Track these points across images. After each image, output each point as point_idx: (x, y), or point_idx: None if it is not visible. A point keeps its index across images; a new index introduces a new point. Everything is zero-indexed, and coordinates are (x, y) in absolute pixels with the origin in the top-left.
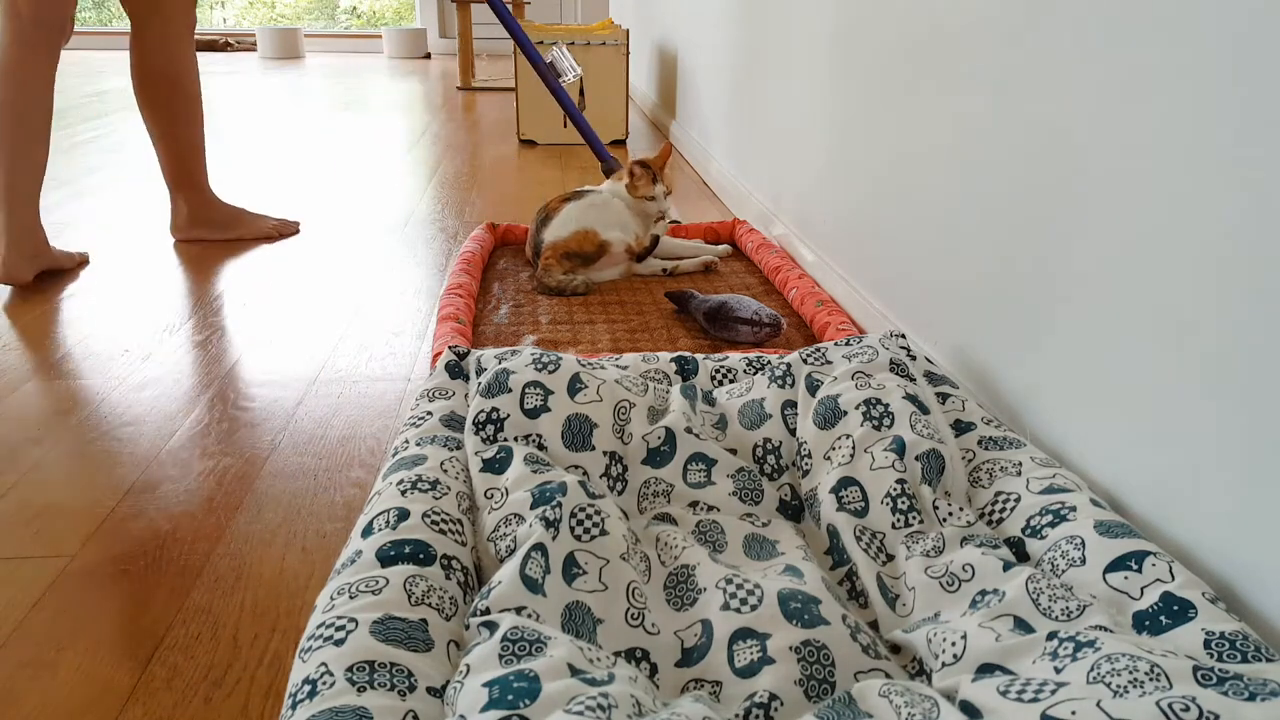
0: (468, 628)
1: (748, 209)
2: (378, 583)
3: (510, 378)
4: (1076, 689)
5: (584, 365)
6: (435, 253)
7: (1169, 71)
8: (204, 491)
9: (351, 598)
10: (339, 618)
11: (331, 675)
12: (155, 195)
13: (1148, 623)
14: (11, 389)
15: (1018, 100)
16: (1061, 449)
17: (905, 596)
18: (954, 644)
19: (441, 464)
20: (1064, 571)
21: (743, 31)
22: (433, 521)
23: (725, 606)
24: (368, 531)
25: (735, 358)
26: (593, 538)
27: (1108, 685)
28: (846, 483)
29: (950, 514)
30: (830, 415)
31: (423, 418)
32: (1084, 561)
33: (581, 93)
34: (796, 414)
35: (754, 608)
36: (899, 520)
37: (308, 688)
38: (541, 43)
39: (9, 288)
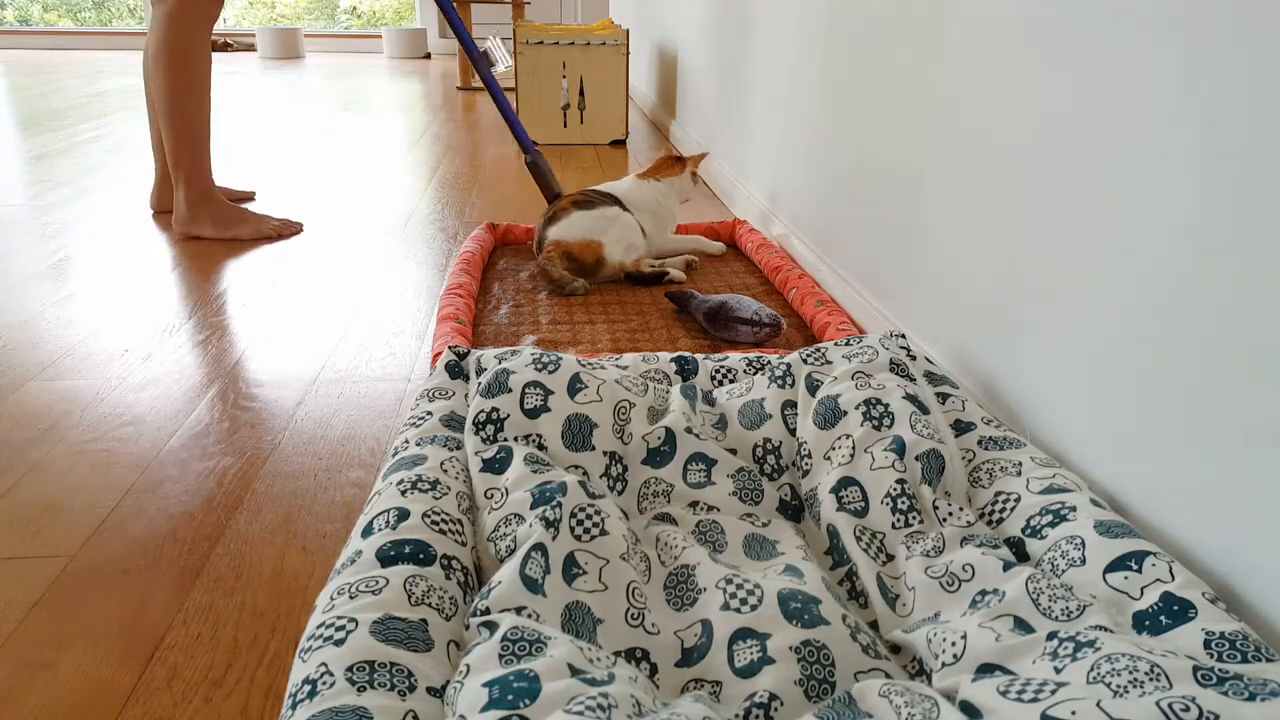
0: (468, 628)
1: (748, 209)
2: (378, 583)
3: (510, 378)
4: (1076, 689)
5: (584, 365)
6: (435, 253)
7: (1170, 70)
8: (204, 491)
9: (351, 598)
10: (339, 618)
11: (331, 675)
12: None
13: (1148, 623)
14: (11, 389)
15: (1018, 100)
16: (1061, 449)
17: (905, 596)
18: (954, 644)
19: (441, 464)
20: (1064, 571)
21: (741, 31)
22: (433, 521)
23: (725, 606)
24: (368, 531)
25: (735, 358)
26: (593, 538)
27: (1108, 685)
28: (846, 483)
29: (950, 514)
30: (830, 415)
31: (423, 418)
32: (1084, 561)
33: (581, 93)
34: (796, 414)
35: (754, 608)
36: (899, 520)
37: (308, 688)
38: (482, 38)
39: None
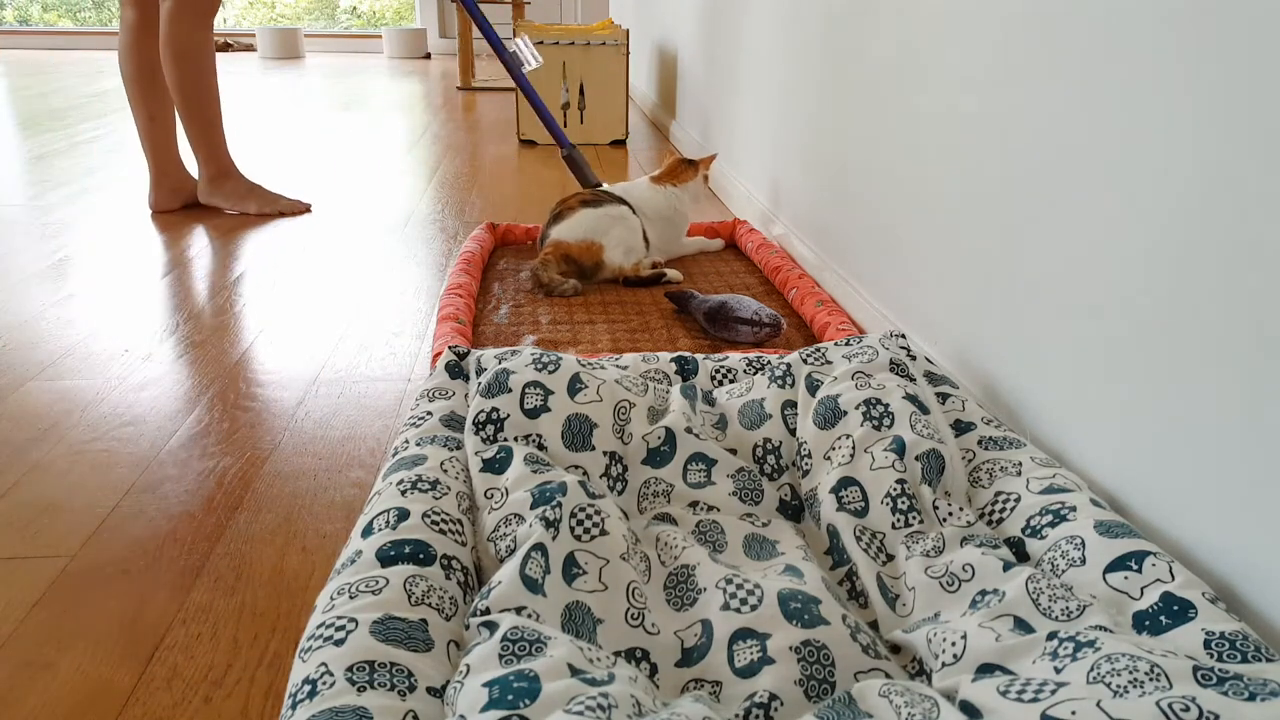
0: (468, 628)
1: (748, 209)
2: (378, 583)
3: (510, 378)
4: (1076, 689)
5: (584, 365)
6: (435, 253)
7: (1170, 70)
8: (204, 491)
9: (351, 598)
10: (339, 618)
11: (331, 675)
12: None
13: (1148, 623)
14: (11, 389)
15: (1019, 100)
16: (1061, 449)
17: (905, 596)
18: (954, 644)
19: (441, 464)
20: (1064, 571)
21: (741, 32)
22: (433, 521)
23: (725, 606)
24: (368, 531)
25: (735, 358)
26: (593, 538)
27: (1108, 685)
28: (846, 483)
29: (950, 514)
30: (830, 415)
31: (423, 418)
32: (1084, 561)
33: (581, 92)
34: (796, 414)
35: (754, 608)
36: (899, 520)
37: (308, 688)
38: (508, 38)
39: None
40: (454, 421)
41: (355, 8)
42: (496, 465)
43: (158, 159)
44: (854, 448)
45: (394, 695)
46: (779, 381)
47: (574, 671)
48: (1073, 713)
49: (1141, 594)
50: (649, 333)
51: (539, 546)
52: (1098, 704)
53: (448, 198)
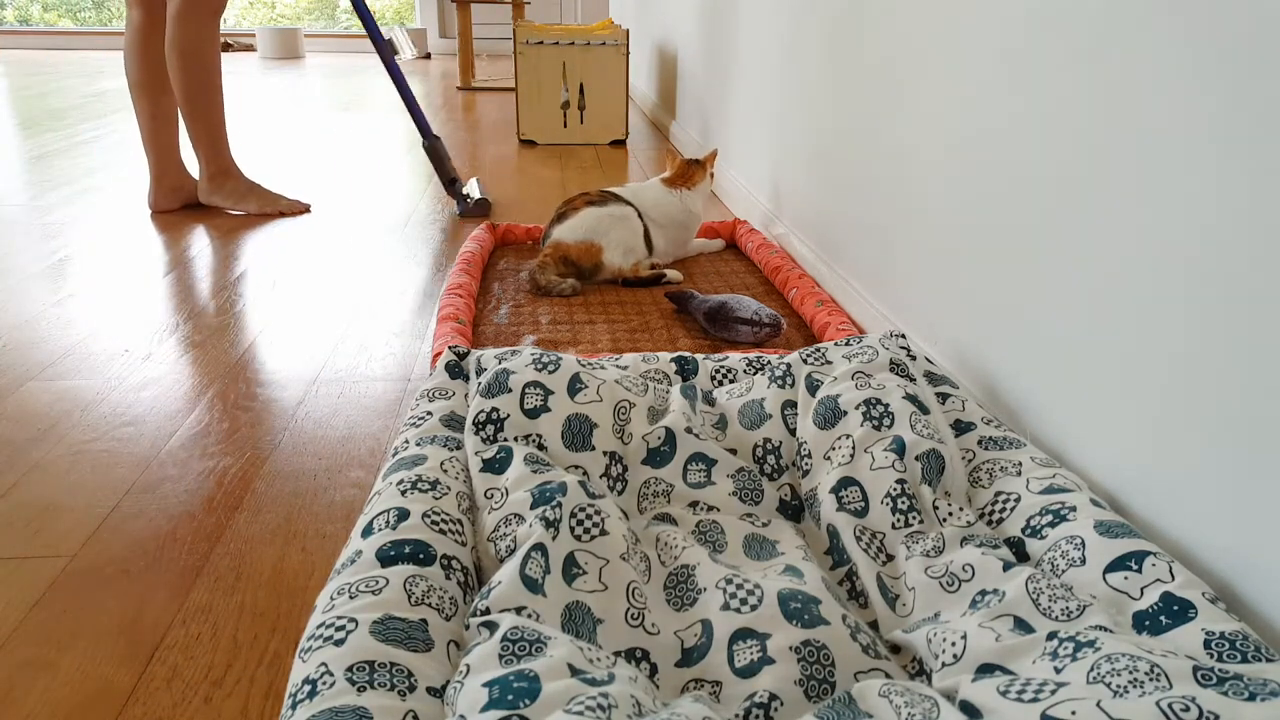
0: (468, 628)
1: (748, 209)
2: (378, 583)
3: (510, 378)
4: (1076, 689)
5: (584, 365)
6: (435, 253)
7: (1171, 71)
8: (204, 491)
9: (351, 598)
10: (339, 618)
11: (331, 675)
12: None
13: (1148, 623)
14: (11, 389)
15: (1018, 99)
16: (1061, 449)
17: (905, 596)
18: (954, 644)
19: (441, 464)
20: (1064, 571)
21: (741, 32)
22: (433, 521)
23: (725, 606)
24: (368, 531)
25: (735, 358)
26: (593, 538)
27: (1108, 685)
28: (846, 483)
29: (950, 514)
30: (830, 415)
31: (423, 418)
32: (1084, 561)
33: (581, 92)
34: (796, 414)
35: (754, 608)
36: (899, 520)
37: (308, 688)
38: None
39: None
40: (454, 421)
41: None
42: (496, 465)
43: (159, 159)
44: (854, 448)
45: (394, 695)
46: (779, 381)
47: (574, 671)
48: (1073, 713)
49: (1141, 594)
50: (649, 333)
51: (539, 546)
52: (1098, 704)
53: (448, 198)
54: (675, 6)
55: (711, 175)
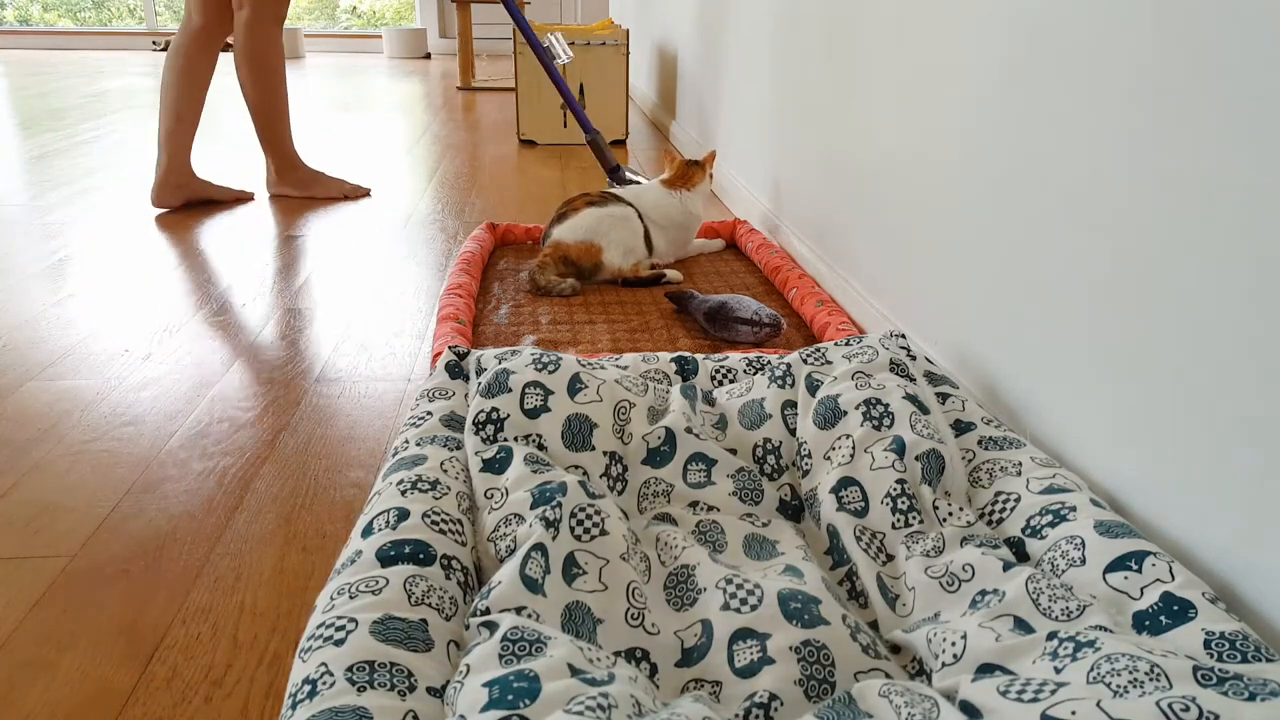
0: (468, 628)
1: (748, 209)
2: (378, 583)
3: (510, 378)
4: (1076, 689)
5: (584, 365)
6: (435, 253)
7: (1170, 72)
8: (204, 491)
9: (351, 598)
10: (339, 618)
11: (331, 675)
12: None
13: (1148, 623)
14: (11, 389)
15: (1018, 99)
16: (1061, 449)
17: (905, 596)
18: (954, 644)
19: (441, 464)
20: (1064, 571)
21: (741, 32)
22: (433, 521)
23: (725, 606)
24: (368, 531)
25: (735, 358)
26: (593, 538)
27: (1108, 685)
28: (846, 483)
29: (950, 514)
30: (830, 415)
31: (423, 418)
32: (1084, 561)
33: (581, 92)
34: (796, 414)
35: (754, 608)
36: (899, 520)
37: (308, 688)
38: (543, 34)
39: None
40: (454, 421)
41: (355, 8)
42: (496, 465)
43: (173, 157)
44: (854, 448)
45: (394, 695)
46: (779, 381)
47: (574, 671)
48: (1073, 713)
49: (1141, 594)
50: (649, 333)
51: (539, 546)
52: (1098, 704)
53: (448, 198)
54: (675, 7)
55: (710, 176)
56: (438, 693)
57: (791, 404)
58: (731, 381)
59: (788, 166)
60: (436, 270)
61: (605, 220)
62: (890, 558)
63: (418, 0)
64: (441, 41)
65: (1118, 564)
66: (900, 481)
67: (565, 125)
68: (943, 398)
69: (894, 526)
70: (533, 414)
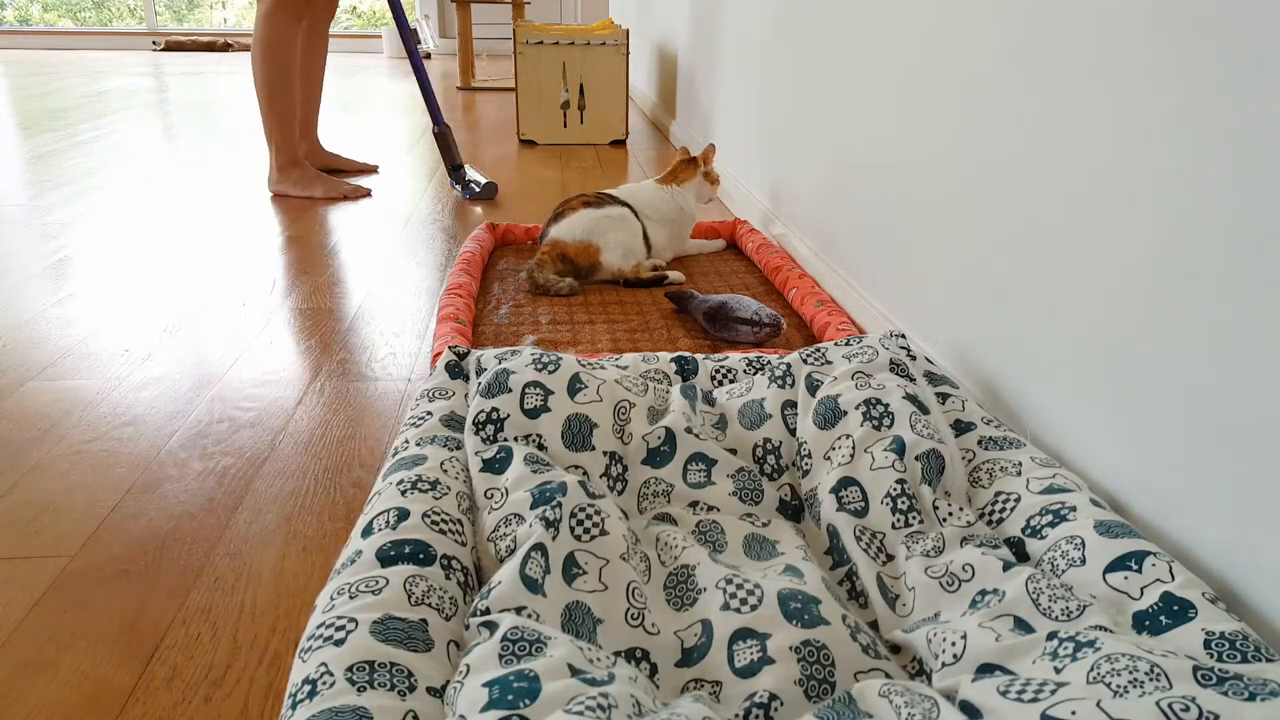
0: (468, 628)
1: (748, 209)
2: (378, 583)
3: (510, 378)
4: (1076, 689)
5: (584, 365)
6: (435, 253)
7: (1168, 73)
8: (204, 491)
9: (351, 598)
10: (339, 618)
11: (331, 675)
12: (154, 196)
13: (1148, 623)
14: (11, 389)
15: (1019, 101)
16: (1061, 449)
17: (905, 596)
18: (954, 644)
19: (441, 464)
20: (1064, 571)
21: (741, 32)
22: (433, 521)
23: (725, 606)
24: (368, 531)
25: (735, 358)
26: (593, 538)
27: (1108, 685)
28: (846, 483)
29: (950, 514)
30: (830, 415)
31: (423, 418)
32: (1084, 561)
33: (581, 92)
34: (796, 414)
35: (754, 608)
36: (899, 520)
37: (308, 688)
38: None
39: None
40: (454, 421)
41: (355, 8)
42: (496, 465)
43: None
44: (854, 448)
45: (394, 695)
46: (779, 381)
47: (574, 671)
48: (1073, 713)
49: (1141, 594)
50: (649, 333)
51: (539, 546)
52: (1098, 704)
53: (448, 198)
54: (675, 6)
55: (707, 173)
56: (438, 693)
57: (791, 404)
58: (731, 381)
59: (787, 166)
60: (436, 270)
61: (603, 221)
62: (890, 558)
63: (417, 0)
64: (441, 41)
65: (1118, 564)
66: (900, 481)
67: (565, 125)
68: (943, 398)
69: (894, 526)
70: (533, 414)
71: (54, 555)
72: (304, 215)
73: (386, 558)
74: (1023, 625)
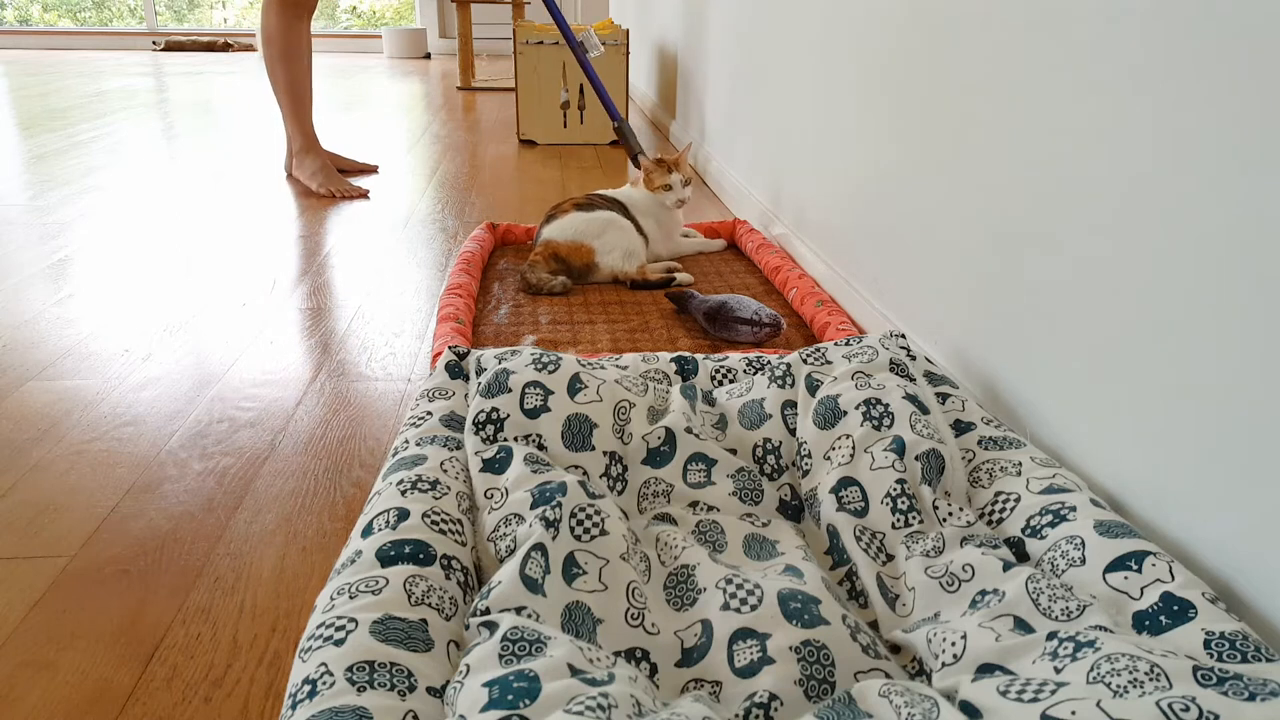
0: (468, 628)
1: (748, 209)
2: (378, 583)
3: (510, 378)
4: (1076, 689)
5: (584, 365)
6: (435, 253)
7: (1168, 73)
8: (204, 491)
9: (351, 598)
10: (339, 618)
11: (331, 675)
12: (153, 196)
13: (1148, 623)
14: (11, 389)
15: (1017, 100)
16: (1061, 449)
17: (905, 596)
18: (954, 644)
19: (441, 464)
20: (1064, 571)
21: (741, 31)
22: (433, 521)
23: (725, 606)
24: (368, 531)
25: (735, 358)
26: (593, 538)
27: (1108, 685)
28: (846, 483)
29: (950, 514)
30: (830, 415)
31: (423, 418)
32: (1084, 561)
33: (581, 92)
34: (796, 414)
35: (754, 608)
36: (899, 520)
37: (308, 688)
38: (578, 27)
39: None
40: (454, 421)
41: (355, 8)
42: (496, 465)
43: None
44: (854, 448)
45: (394, 695)
46: (779, 381)
47: (574, 671)
48: (1073, 713)
49: (1141, 594)
50: (649, 333)
51: (539, 546)
52: (1098, 704)
53: (448, 198)
54: (675, 7)
55: (671, 171)
56: (438, 693)
57: (791, 404)
58: (731, 381)
59: (788, 166)
60: (436, 270)
61: (594, 223)
62: (890, 558)
63: (418, 0)
64: (441, 41)
65: (1118, 564)
66: (900, 481)
67: (565, 125)
68: (943, 398)
69: (894, 526)
70: (533, 414)
71: (54, 555)
72: (304, 215)
73: (386, 558)
74: (1023, 625)
